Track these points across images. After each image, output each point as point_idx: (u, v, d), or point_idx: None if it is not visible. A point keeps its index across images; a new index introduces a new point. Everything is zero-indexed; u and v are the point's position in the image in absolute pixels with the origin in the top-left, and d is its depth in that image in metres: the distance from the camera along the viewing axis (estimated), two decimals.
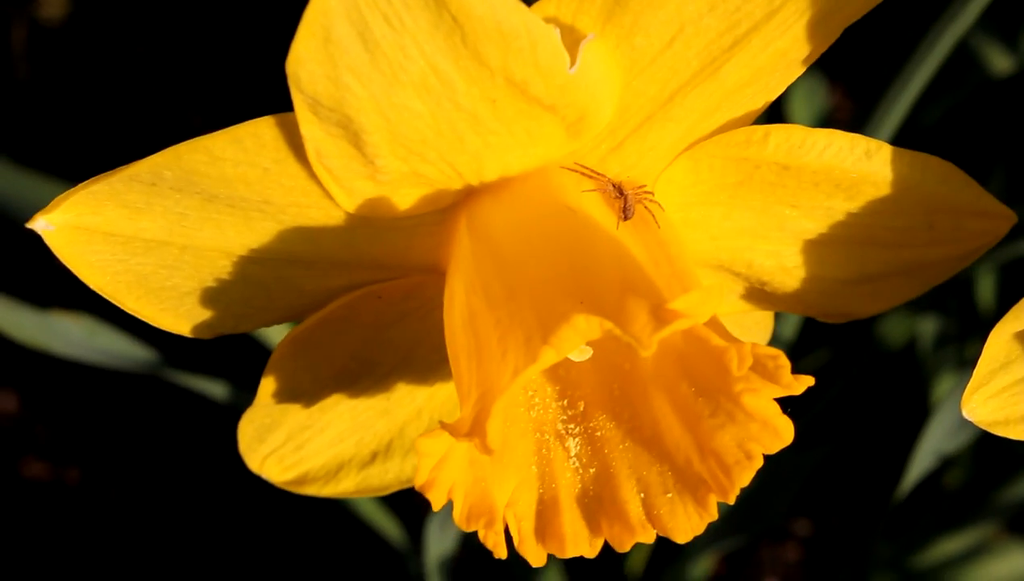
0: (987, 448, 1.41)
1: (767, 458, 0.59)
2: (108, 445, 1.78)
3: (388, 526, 1.33)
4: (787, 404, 0.60)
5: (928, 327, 1.50)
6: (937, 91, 1.39)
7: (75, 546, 1.74)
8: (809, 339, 1.60)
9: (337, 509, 1.41)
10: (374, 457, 0.70)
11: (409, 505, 1.27)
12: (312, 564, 1.72)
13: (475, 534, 1.44)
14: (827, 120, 1.46)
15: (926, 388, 1.52)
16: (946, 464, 1.54)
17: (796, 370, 1.55)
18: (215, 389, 1.09)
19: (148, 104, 1.67)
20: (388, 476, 0.70)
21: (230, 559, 1.72)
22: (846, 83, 1.93)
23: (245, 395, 1.12)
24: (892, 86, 0.85)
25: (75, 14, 1.64)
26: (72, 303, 1.05)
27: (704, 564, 1.39)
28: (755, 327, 0.72)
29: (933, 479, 1.57)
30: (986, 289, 1.52)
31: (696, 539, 1.35)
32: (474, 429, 0.57)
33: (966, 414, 0.67)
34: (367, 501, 1.30)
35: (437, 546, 1.01)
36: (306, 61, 0.56)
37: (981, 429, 1.18)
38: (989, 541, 1.32)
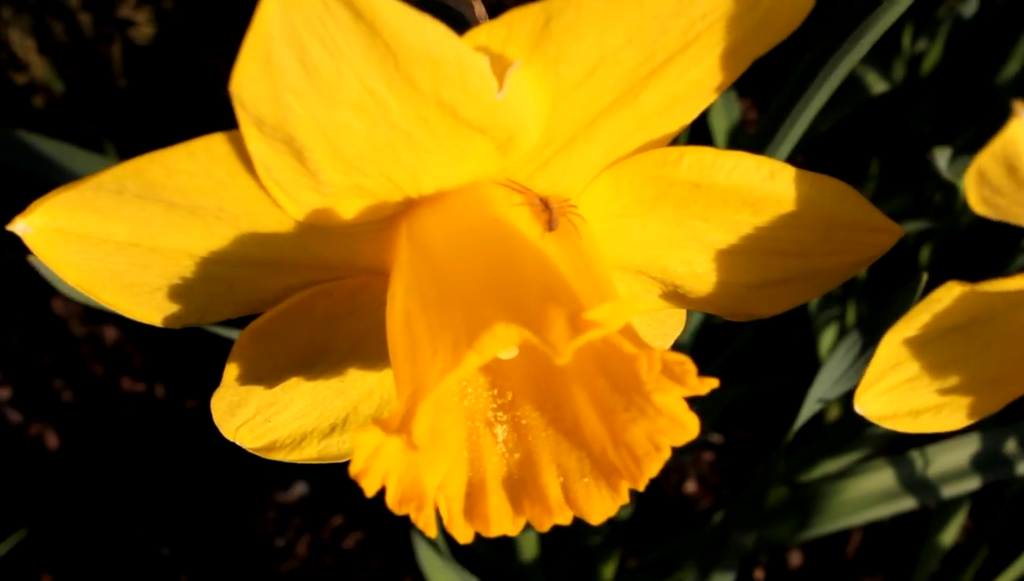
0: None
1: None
2: (184, 364, 1.66)
3: None
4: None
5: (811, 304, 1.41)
6: (829, 106, 1.30)
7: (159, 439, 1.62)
8: None
9: None
10: (333, 429, 0.59)
11: None
12: None
13: None
14: (739, 129, 1.36)
15: (814, 340, 1.46)
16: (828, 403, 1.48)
17: (707, 326, 1.45)
18: (234, 334, 0.97)
19: (225, 107, 1.58)
20: (344, 446, 0.60)
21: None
22: (754, 96, 1.83)
23: None
24: (796, 105, 0.74)
25: (160, 35, 1.53)
26: None
27: None
28: (670, 321, 0.61)
29: (818, 415, 1.50)
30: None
31: None
32: (402, 426, 0.46)
33: (858, 409, 0.58)
34: None
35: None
36: (248, 83, 0.44)
37: (856, 382, 1.11)
38: (861, 463, 1.23)
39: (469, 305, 0.46)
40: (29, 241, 0.49)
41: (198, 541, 1.56)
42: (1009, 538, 1.46)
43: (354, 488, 1.66)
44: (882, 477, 1.18)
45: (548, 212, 0.50)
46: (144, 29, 1.55)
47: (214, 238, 0.50)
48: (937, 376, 0.55)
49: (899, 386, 0.56)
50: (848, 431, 1.24)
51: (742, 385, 1.26)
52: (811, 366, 1.35)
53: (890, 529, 1.60)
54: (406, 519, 1.26)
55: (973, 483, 1.14)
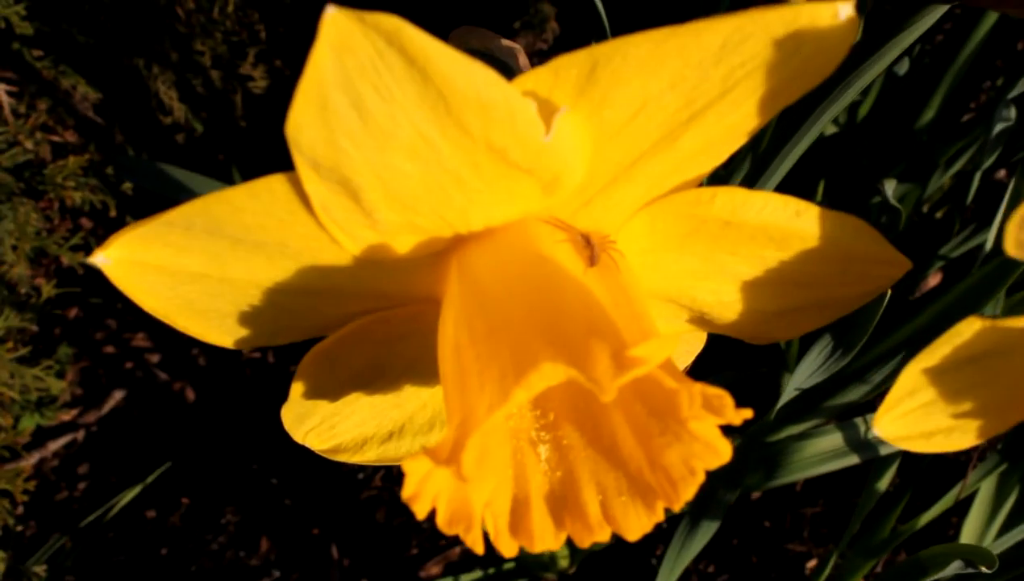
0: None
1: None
2: None
3: None
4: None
5: None
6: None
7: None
8: None
9: None
10: (390, 436, 0.47)
11: None
12: None
13: None
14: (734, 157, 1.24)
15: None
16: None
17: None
18: None
19: None
20: (401, 450, 0.48)
21: None
22: None
23: None
24: (783, 149, 0.62)
25: (272, 86, 1.42)
26: None
27: None
28: (694, 341, 0.49)
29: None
30: None
31: None
32: (451, 458, 0.34)
33: (877, 431, 0.45)
34: None
35: None
36: (304, 127, 0.32)
37: (823, 378, 1.00)
38: (816, 428, 1.12)
39: (516, 340, 0.34)
40: (108, 272, 0.37)
41: (300, 475, 1.48)
42: (928, 488, 1.36)
43: None
44: (832, 439, 1.08)
45: (590, 248, 0.37)
46: (260, 82, 1.44)
47: (278, 270, 0.38)
48: (951, 402, 0.43)
49: (915, 410, 0.44)
50: (807, 406, 1.13)
51: (729, 371, 1.15)
52: (777, 361, 1.22)
53: (836, 483, 1.49)
54: None
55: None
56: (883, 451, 1.07)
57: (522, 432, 0.39)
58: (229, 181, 1.09)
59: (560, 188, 0.36)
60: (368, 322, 0.41)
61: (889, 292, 0.67)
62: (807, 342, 0.89)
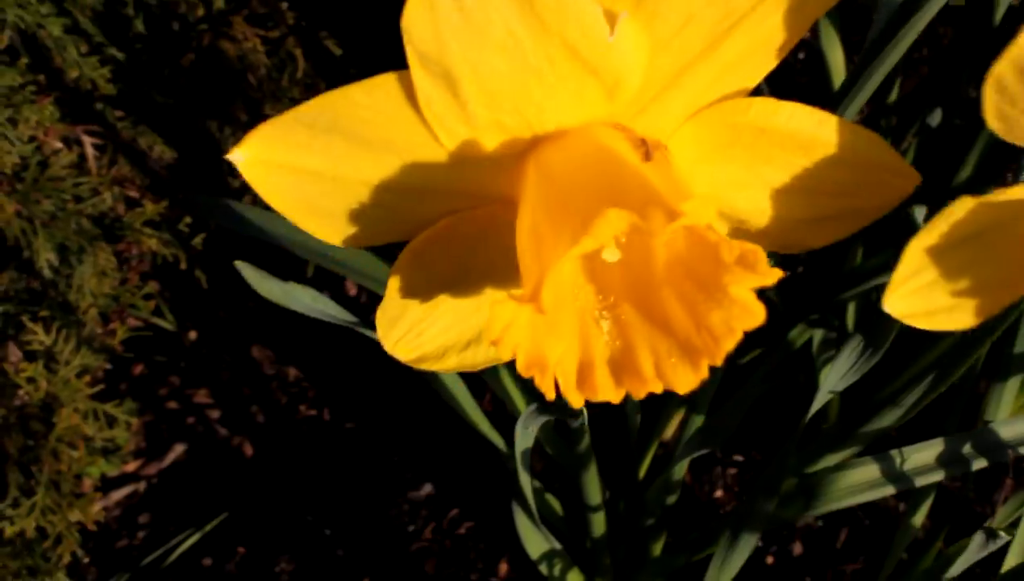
0: (849, 406, 1.26)
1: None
2: (344, 397, 1.65)
3: (494, 436, 1.17)
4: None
5: (818, 335, 1.38)
6: None
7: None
8: (747, 344, 1.45)
9: (460, 427, 1.24)
10: (468, 344, 0.54)
11: (507, 422, 1.10)
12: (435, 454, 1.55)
13: (549, 430, 1.26)
14: None
15: (815, 373, 1.39)
16: (826, 414, 1.42)
17: (741, 361, 1.40)
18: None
19: None
20: (479, 357, 0.55)
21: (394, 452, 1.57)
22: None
23: None
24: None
25: None
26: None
27: (681, 469, 1.23)
28: None
29: (820, 420, 1.44)
30: (851, 317, 1.36)
31: (680, 451, 1.19)
32: (532, 295, 0.42)
33: (886, 308, 0.52)
34: (482, 420, 1.13)
35: (522, 442, 0.87)
36: (416, 22, 0.41)
37: (856, 377, 1.06)
38: (852, 459, 1.18)
39: (583, 206, 0.42)
40: (242, 169, 0.45)
41: (352, 526, 1.53)
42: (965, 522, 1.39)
43: (469, 487, 1.63)
44: (869, 470, 1.11)
45: (645, 147, 0.45)
46: None
47: (383, 168, 0.46)
48: (951, 280, 0.49)
49: (920, 289, 0.51)
50: (843, 433, 1.19)
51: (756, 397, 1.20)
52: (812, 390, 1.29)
53: (869, 527, 1.53)
54: (507, 512, 1.22)
55: (938, 476, 1.08)
56: (918, 482, 1.11)
57: (587, 311, 0.46)
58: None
59: (621, 92, 0.44)
60: (454, 220, 0.49)
61: None
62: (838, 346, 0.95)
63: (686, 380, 0.45)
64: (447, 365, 0.54)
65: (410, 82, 0.43)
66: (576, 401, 0.44)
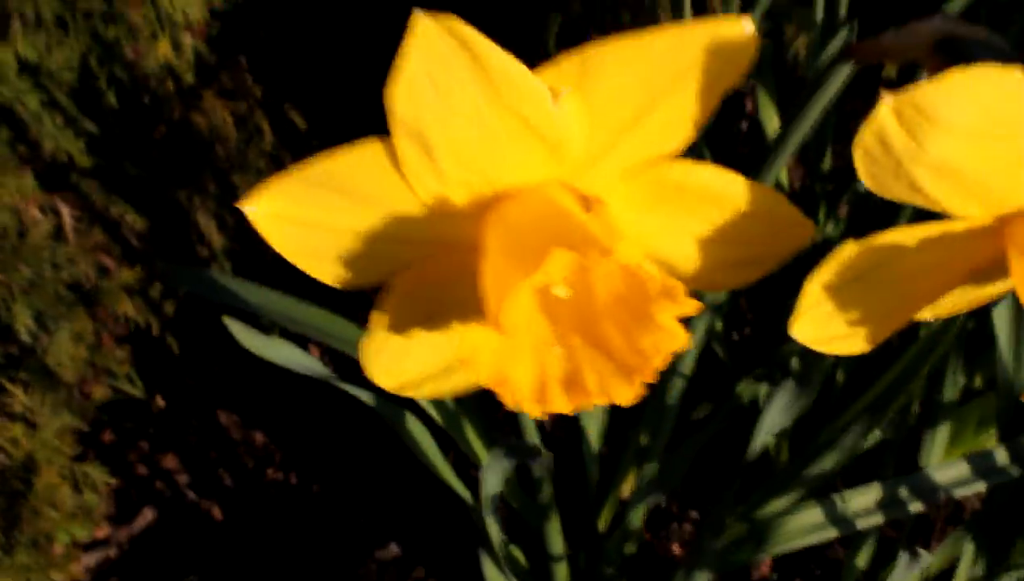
0: (796, 451, 1.35)
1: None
2: (311, 461, 1.70)
3: (460, 488, 1.23)
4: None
5: (763, 389, 1.46)
6: None
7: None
8: (695, 397, 1.53)
9: (425, 478, 1.31)
10: (443, 371, 0.63)
11: (472, 478, 1.17)
12: (401, 514, 1.62)
13: (513, 483, 1.32)
14: None
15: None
16: (771, 459, 1.49)
17: (693, 418, 1.47)
18: (363, 395, 1.01)
19: None
20: (451, 385, 0.64)
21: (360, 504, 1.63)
22: None
23: (383, 401, 1.03)
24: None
25: None
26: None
27: (637, 516, 1.30)
28: None
29: (765, 466, 1.51)
30: (794, 370, 1.43)
31: (634, 498, 1.26)
32: (494, 320, 0.52)
33: (792, 333, 0.61)
34: (449, 472, 1.19)
35: (489, 487, 0.93)
36: (398, 98, 0.51)
37: (793, 418, 1.14)
38: (797, 504, 1.25)
39: (535, 247, 0.51)
40: (253, 220, 0.54)
41: None
42: None
43: (434, 544, 1.68)
44: (813, 513, 1.19)
45: (586, 201, 0.55)
46: None
47: (369, 219, 0.55)
48: (844, 312, 0.58)
49: (819, 319, 0.59)
50: (788, 476, 1.26)
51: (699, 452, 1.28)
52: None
53: (820, 577, 1.60)
54: (472, 569, 1.28)
55: (878, 519, 1.16)
56: (859, 525, 1.19)
57: (540, 338, 0.56)
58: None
59: (565, 154, 0.54)
60: (431, 264, 0.58)
61: None
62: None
63: (625, 394, 0.54)
64: (423, 392, 0.63)
65: (391, 145, 0.52)
66: (534, 412, 0.54)
